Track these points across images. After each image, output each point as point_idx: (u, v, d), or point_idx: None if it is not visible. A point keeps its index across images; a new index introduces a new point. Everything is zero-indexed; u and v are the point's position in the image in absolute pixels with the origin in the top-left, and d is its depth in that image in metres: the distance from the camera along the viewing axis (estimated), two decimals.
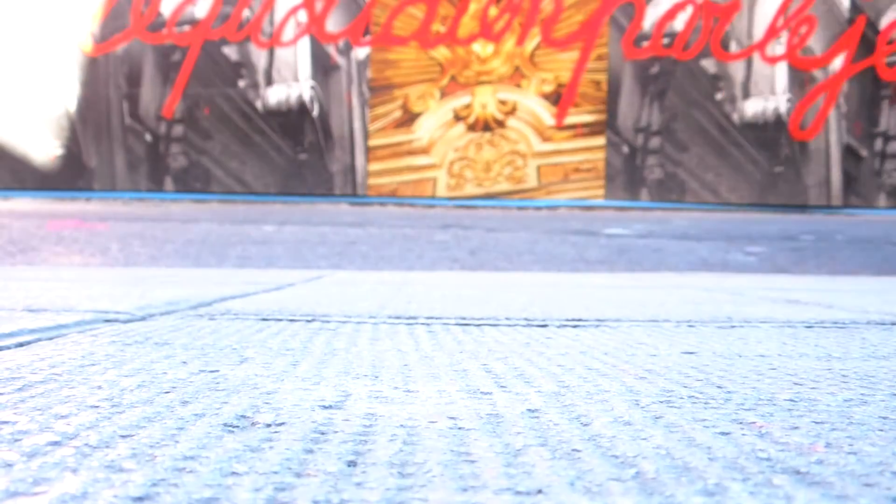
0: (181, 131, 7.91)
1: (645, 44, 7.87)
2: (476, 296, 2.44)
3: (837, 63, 7.90)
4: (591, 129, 7.90)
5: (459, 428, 0.80)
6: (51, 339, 1.39)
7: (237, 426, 0.79)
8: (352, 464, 0.67)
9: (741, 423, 0.84)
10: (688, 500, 0.59)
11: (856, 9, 7.85)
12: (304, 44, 7.85)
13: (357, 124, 7.50)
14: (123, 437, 0.75)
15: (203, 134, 7.91)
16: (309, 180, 7.92)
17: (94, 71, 7.86)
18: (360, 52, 7.76)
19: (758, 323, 1.81)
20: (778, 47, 7.91)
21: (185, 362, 1.18)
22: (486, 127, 7.66)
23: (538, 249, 4.77)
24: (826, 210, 7.97)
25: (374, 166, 7.76)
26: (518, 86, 7.80)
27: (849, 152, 7.97)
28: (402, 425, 0.81)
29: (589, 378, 1.10)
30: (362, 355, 1.27)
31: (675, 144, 7.95)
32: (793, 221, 6.66)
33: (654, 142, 7.95)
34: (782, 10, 7.86)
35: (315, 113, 7.86)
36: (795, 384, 1.07)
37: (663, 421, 0.84)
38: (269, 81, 7.85)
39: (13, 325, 1.52)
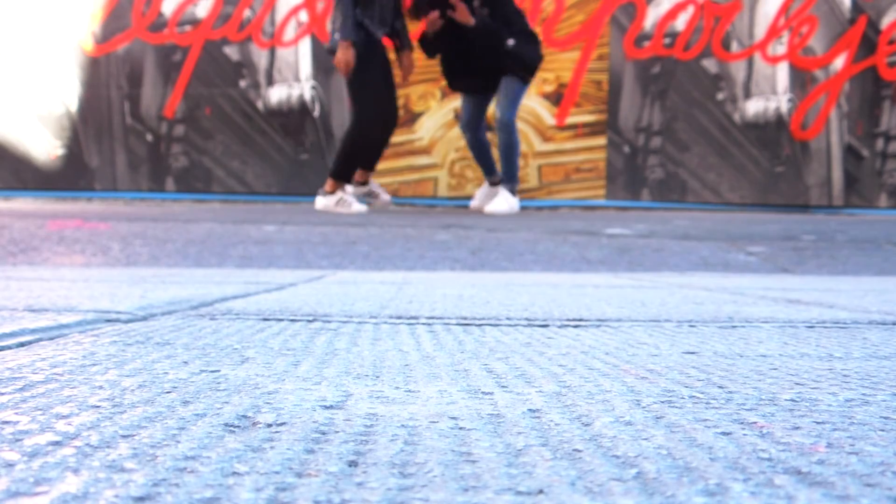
0: (182, 131, 7.91)
1: (646, 44, 7.87)
2: (477, 296, 2.44)
3: (839, 63, 7.90)
4: (592, 129, 7.90)
5: (460, 428, 0.80)
6: (52, 338, 1.39)
7: (238, 426, 0.79)
8: (353, 464, 0.67)
9: (743, 423, 0.84)
10: (689, 500, 0.59)
11: (857, 9, 7.84)
12: (306, 44, 7.85)
13: None
14: (125, 436, 0.75)
15: (204, 134, 7.91)
16: (310, 180, 7.92)
17: (96, 71, 7.86)
18: None
19: (759, 323, 1.81)
20: (779, 47, 7.90)
21: (186, 362, 1.18)
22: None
23: (539, 249, 4.76)
24: (827, 210, 7.96)
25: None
26: None
27: (850, 152, 7.97)
28: (403, 425, 0.81)
29: (590, 378, 1.10)
30: (363, 355, 1.27)
31: (677, 144, 7.95)
32: (794, 221, 6.66)
33: (656, 142, 7.94)
34: (783, 10, 7.86)
35: (316, 113, 7.86)
36: (797, 384, 1.07)
37: (664, 421, 0.84)
38: (271, 81, 7.85)
39: (14, 325, 1.52)
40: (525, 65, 6.49)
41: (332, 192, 6.27)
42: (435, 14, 6.31)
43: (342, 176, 6.25)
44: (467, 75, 6.61)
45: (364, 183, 6.51)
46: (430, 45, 6.58)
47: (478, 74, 6.53)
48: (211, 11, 7.82)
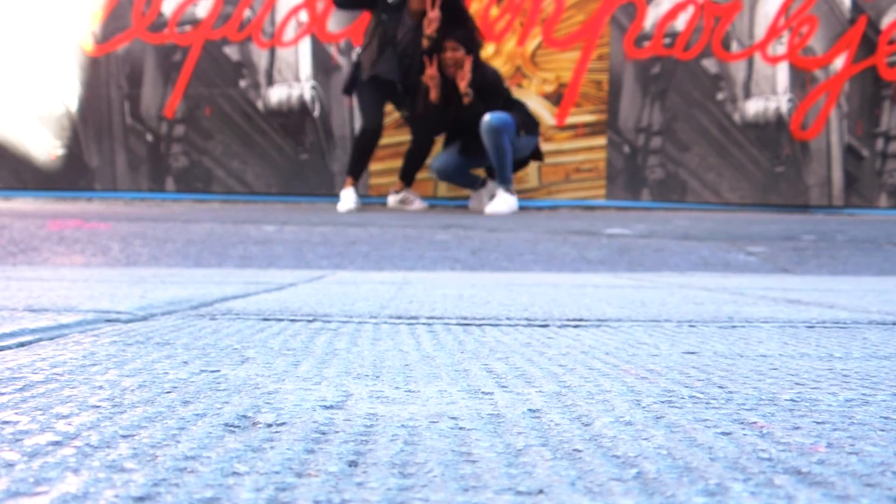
0: (182, 131, 7.91)
1: (646, 44, 7.87)
2: (477, 296, 2.44)
3: (839, 63, 7.90)
4: (593, 129, 7.90)
5: (460, 428, 0.80)
6: (52, 339, 1.39)
7: (238, 426, 0.79)
8: (353, 464, 0.67)
9: (743, 423, 0.84)
10: (689, 501, 0.59)
11: (857, 9, 7.84)
12: (306, 44, 7.84)
13: (358, 124, 7.49)
14: (124, 436, 0.75)
15: (204, 134, 7.91)
16: (310, 180, 7.92)
17: (96, 71, 7.86)
18: None
19: (759, 323, 1.81)
20: (779, 47, 7.90)
21: (186, 362, 1.18)
22: None
23: (539, 249, 4.76)
24: (827, 210, 7.96)
25: (376, 166, 7.76)
26: (519, 86, 7.79)
27: (850, 152, 7.96)
28: (403, 425, 0.81)
29: (590, 378, 1.10)
30: (363, 355, 1.27)
31: (677, 144, 7.95)
32: (794, 221, 6.66)
33: (656, 142, 7.94)
34: (783, 9, 7.86)
35: (316, 113, 7.86)
36: (797, 384, 1.07)
37: (664, 421, 0.84)
38: (271, 81, 7.85)
39: (14, 325, 1.52)
40: (522, 120, 6.86)
41: (346, 188, 7.12)
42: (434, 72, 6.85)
43: (349, 173, 7.15)
44: (466, 139, 7.03)
45: (399, 191, 7.39)
46: (437, 124, 7.09)
47: (471, 141, 6.92)
48: (211, 11, 7.82)
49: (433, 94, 6.80)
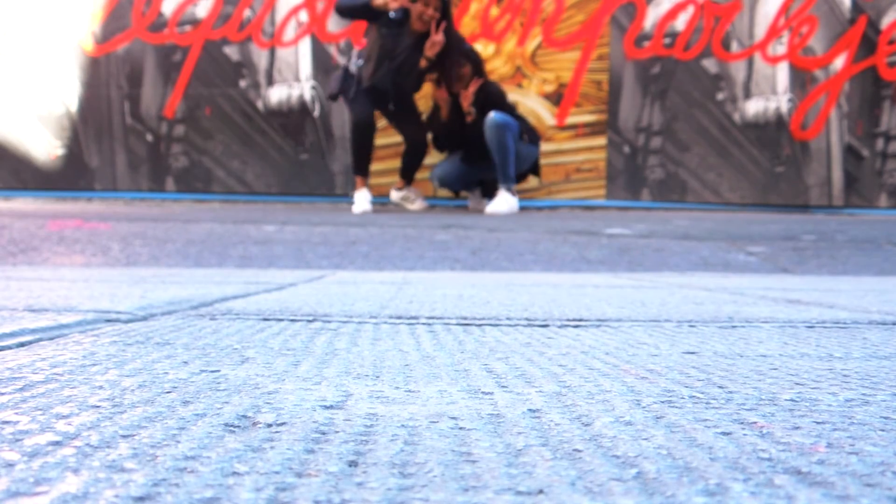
0: (182, 131, 7.91)
1: (646, 44, 7.87)
2: (477, 296, 2.44)
3: (839, 63, 7.90)
4: (593, 129, 7.90)
5: (460, 428, 0.80)
6: (52, 338, 1.39)
7: (238, 426, 0.79)
8: (353, 464, 0.67)
9: (743, 423, 0.84)
10: (689, 500, 0.59)
11: (857, 9, 7.84)
12: (306, 44, 7.84)
13: None
14: (125, 436, 0.75)
15: (204, 134, 7.91)
16: (310, 180, 7.91)
17: (96, 71, 7.86)
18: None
19: (759, 323, 1.81)
20: (779, 47, 7.90)
21: (186, 362, 1.18)
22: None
23: (539, 249, 4.76)
24: (827, 210, 7.96)
25: (376, 166, 7.75)
26: (519, 86, 7.79)
27: (850, 152, 7.96)
28: (403, 425, 0.81)
29: (590, 378, 1.10)
30: (363, 355, 1.27)
31: (677, 144, 7.94)
32: (794, 221, 6.66)
33: (656, 142, 7.94)
34: (783, 9, 7.86)
35: (316, 113, 7.86)
36: (797, 384, 1.07)
37: (664, 421, 0.84)
38: (271, 81, 7.85)
39: (14, 325, 1.52)
40: (525, 128, 7.00)
41: (358, 189, 7.14)
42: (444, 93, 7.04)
43: (356, 172, 7.16)
44: (469, 148, 7.12)
45: (401, 188, 7.45)
46: (443, 140, 7.23)
47: (474, 150, 7.02)
48: (211, 11, 7.82)
49: (444, 113, 6.92)
